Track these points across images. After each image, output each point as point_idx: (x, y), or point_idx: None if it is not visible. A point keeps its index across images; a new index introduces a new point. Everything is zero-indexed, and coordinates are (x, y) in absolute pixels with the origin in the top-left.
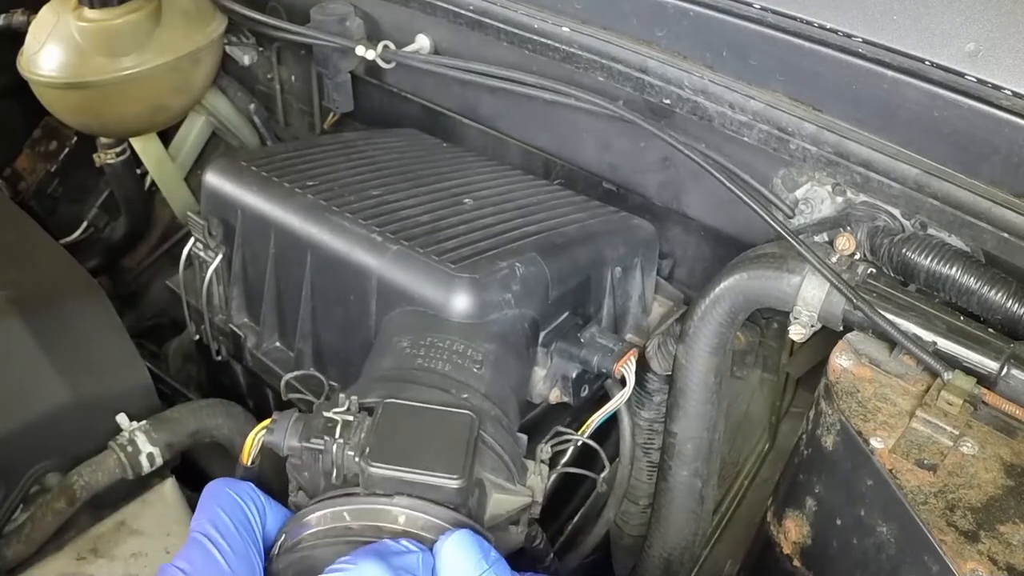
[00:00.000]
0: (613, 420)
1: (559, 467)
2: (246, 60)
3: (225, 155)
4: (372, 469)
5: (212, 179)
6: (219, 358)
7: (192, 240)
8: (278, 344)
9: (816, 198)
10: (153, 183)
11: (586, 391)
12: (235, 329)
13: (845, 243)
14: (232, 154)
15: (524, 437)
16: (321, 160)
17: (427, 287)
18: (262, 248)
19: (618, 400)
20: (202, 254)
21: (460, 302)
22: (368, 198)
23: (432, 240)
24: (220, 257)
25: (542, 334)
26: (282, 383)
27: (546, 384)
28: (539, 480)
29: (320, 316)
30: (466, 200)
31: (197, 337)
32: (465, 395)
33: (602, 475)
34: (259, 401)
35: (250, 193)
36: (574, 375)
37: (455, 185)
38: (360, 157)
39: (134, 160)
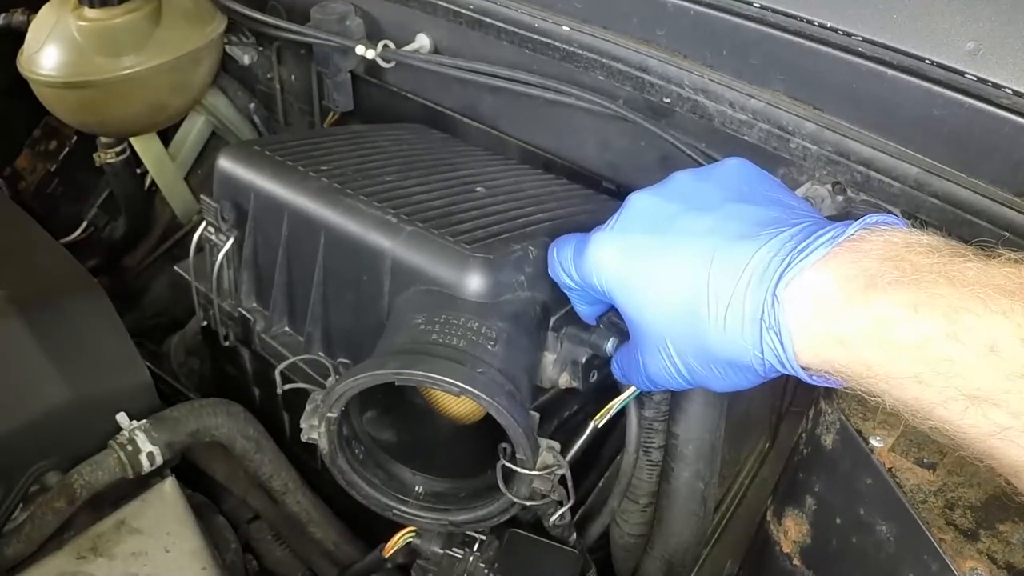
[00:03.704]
0: (616, 415)
1: (574, 448)
2: (246, 60)
3: (237, 142)
4: None
5: (225, 163)
6: (227, 343)
7: (203, 224)
8: (287, 328)
9: (816, 197)
10: (153, 183)
11: (595, 376)
12: (244, 313)
13: None
14: (244, 141)
15: (536, 415)
16: (333, 147)
17: (442, 267)
18: (274, 231)
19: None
20: (213, 238)
21: (474, 281)
22: (381, 183)
23: (446, 223)
24: (231, 241)
25: (552, 319)
26: (277, 371)
27: (555, 369)
28: (551, 457)
29: (331, 298)
30: (478, 188)
31: (205, 323)
32: (480, 369)
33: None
34: (265, 388)
35: (263, 176)
36: (583, 360)
37: (466, 175)
38: (372, 146)
39: (134, 160)
